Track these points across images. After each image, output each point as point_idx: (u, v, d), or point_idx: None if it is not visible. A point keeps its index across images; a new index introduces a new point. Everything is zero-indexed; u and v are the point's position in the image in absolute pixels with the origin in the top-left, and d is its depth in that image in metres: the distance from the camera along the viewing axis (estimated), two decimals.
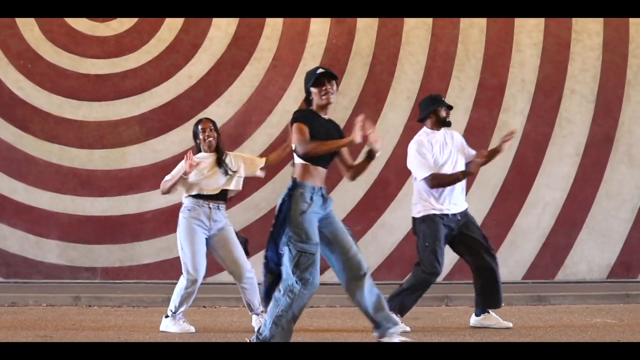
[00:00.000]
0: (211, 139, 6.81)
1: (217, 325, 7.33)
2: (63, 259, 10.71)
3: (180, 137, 10.73)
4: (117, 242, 10.70)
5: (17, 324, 7.21)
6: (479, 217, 10.76)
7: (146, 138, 10.78)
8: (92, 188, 10.78)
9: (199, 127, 6.85)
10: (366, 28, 10.92)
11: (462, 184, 6.93)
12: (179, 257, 7.43)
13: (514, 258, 10.76)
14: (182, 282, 6.83)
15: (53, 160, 10.78)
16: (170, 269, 10.48)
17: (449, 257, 10.72)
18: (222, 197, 6.79)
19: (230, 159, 6.85)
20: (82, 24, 10.88)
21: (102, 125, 10.83)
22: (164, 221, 10.48)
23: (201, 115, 10.69)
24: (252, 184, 10.06)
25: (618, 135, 10.88)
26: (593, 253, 10.79)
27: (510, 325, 6.83)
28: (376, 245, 10.71)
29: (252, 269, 6.77)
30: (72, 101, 10.85)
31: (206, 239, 6.78)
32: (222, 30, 10.91)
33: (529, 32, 10.93)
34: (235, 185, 6.82)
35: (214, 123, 6.92)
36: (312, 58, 10.89)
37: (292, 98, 10.79)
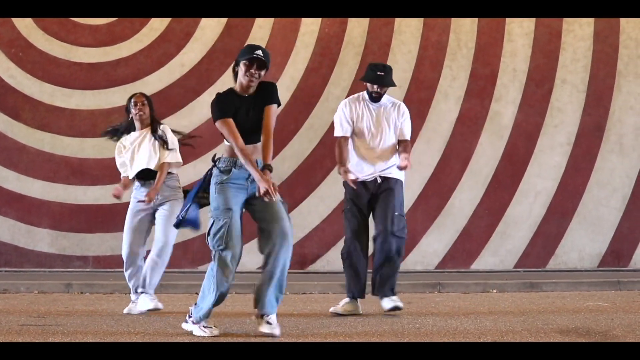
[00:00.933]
0: (142, 113, 6.79)
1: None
2: (54, 247, 10.68)
3: (172, 126, 10.65)
4: (109, 230, 10.66)
5: (10, 308, 7.19)
6: (470, 207, 10.85)
7: None
8: (84, 177, 10.76)
9: (132, 101, 6.83)
10: (358, 17, 10.92)
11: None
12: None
13: (505, 247, 10.80)
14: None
15: (45, 149, 10.76)
16: None
17: (442, 245, 10.86)
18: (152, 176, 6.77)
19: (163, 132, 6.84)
20: None
21: (94, 114, 10.81)
22: None
23: (194, 105, 10.80)
24: None
25: (609, 125, 10.93)
26: (584, 242, 10.84)
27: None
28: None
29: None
30: (63, 89, 10.82)
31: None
32: (214, 19, 10.90)
33: (520, 21, 10.97)
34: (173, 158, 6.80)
35: (147, 97, 6.89)
36: (304, 47, 10.91)
37: (285, 87, 10.79)
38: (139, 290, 6.72)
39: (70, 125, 10.79)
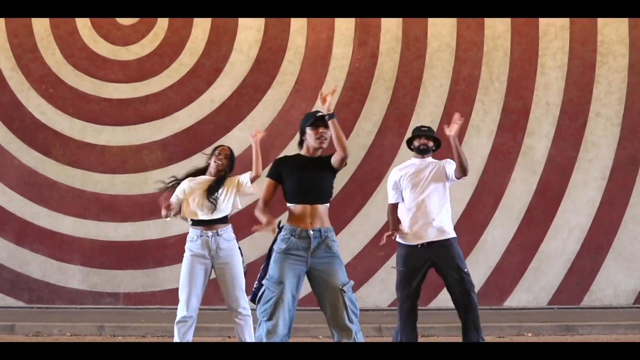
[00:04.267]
0: (220, 165, 6.81)
1: None
2: (86, 284, 10.68)
3: (202, 162, 10.67)
4: (139, 267, 10.66)
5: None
6: (503, 243, 10.72)
7: (168, 163, 10.74)
8: (114, 213, 10.75)
9: (216, 150, 6.90)
10: (389, 51, 10.85)
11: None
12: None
13: (539, 284, 10.65)
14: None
15: (75, 185, 10.76)
16: None
17: (475, 282, 10.67)
18: (221, 220, 6.66)
19: (223, 189, 6.73)
20: (103, 48, 10.87)
21: (124, 150, 10.80)
22: None
23: (224, 140, 10.74)
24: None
25: None
26: (619, 278, 10.67)
27: None
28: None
29: (247, 306, 6.61)
30: (94, 125, 10.83)
31: (211, 267, 6.65)
32: (244, 54, 10.87)
33: (553, 54, 10.84)
34: (232, 205, 6.73)
35: (232, 154, 6.95)
36: (334, 82, 10.82)
37: None
38: None
39: (100, 162, 10.79)
